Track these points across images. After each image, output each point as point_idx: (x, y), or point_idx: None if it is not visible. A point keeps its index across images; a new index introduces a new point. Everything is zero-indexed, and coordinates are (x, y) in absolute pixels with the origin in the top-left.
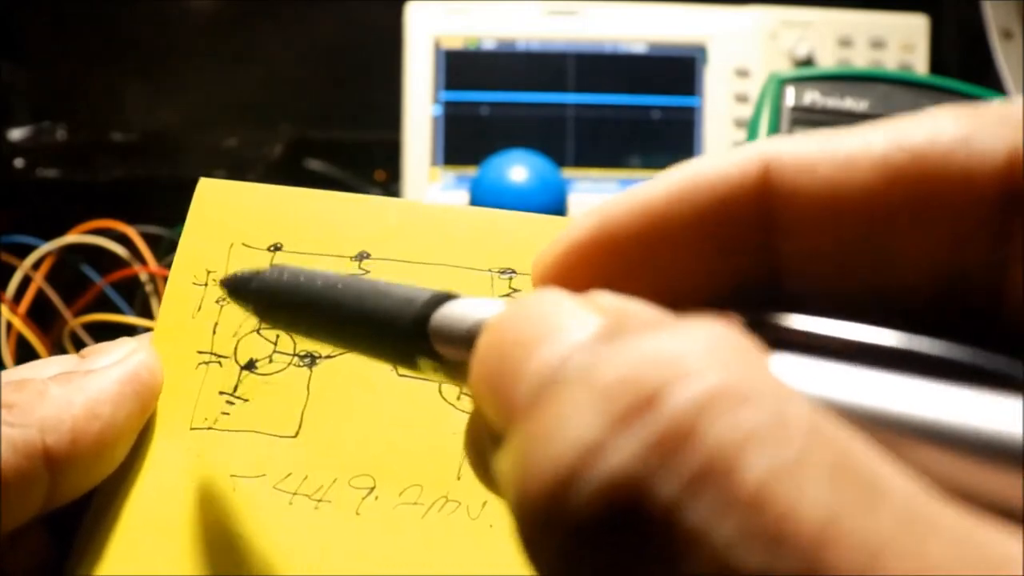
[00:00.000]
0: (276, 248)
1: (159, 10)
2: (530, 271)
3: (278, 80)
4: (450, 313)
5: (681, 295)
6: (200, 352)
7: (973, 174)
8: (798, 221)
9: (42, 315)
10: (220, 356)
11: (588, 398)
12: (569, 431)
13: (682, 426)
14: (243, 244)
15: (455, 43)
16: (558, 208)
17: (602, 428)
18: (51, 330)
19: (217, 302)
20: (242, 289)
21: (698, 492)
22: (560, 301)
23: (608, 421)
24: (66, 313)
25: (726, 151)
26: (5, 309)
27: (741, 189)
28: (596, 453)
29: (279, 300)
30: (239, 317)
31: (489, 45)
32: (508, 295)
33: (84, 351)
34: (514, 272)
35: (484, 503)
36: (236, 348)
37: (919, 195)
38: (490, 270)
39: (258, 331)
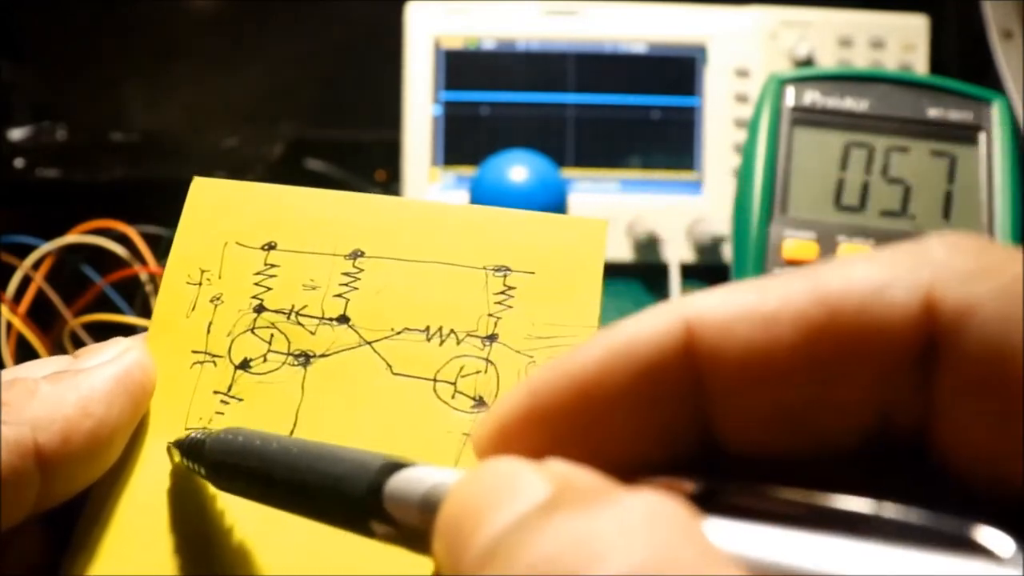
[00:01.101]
0: (270, 247)
1: (159, 10)
2: (525, 268)
3: (278, 80)
4: (404, 479)
5: (618, 459)
6: (194, 351)
7: (890, 323)
8: (723, 381)
9: (42, 315)
10: (214, 355)
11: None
12: None
13: None
14: (237, 243)
15: (455, 43)
16: (558, 208)
17: None
18: (51, 330)
19: (211, 301)
20: (195, 451)
21: None
22: (512, 469)
23: None
24: (66, 313)
25: (650, 309)
26: (5, 309)
27: (666, 354)
28: None
29: (232, 463)
30: (234, 316)
31: (489, 45)
32: (502, 292)
33: (78, 351)
34: (508, 269)
35: None
36: (230, 347)
37: (839, 349)
38: (484, 267)
39: (252, 330)
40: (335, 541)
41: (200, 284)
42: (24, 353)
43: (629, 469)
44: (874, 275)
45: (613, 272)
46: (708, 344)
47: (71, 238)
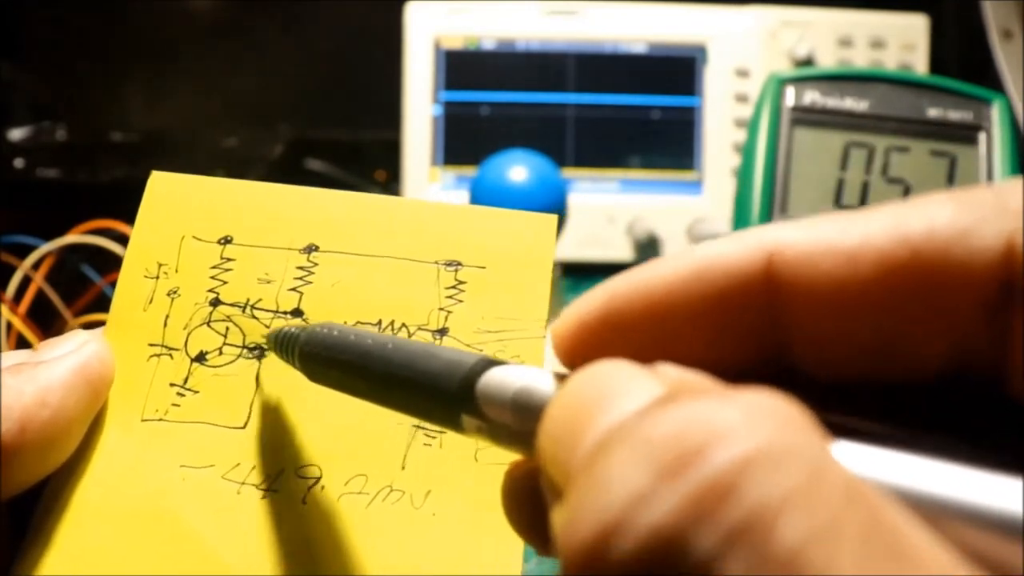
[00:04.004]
0: (226, 241)
1: (159, 10)
2: (476, 263)
3: (278, 80)
4: (496, 377)
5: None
6: (151, 344)
7: (971, 267)
8: (802, 311)
9: (42, 315)
10: (171, 348)
11: (636, 453)
12: (616, 483)
13: (723, 483)
14: (194, 237)
15: (455, 43)
16: (558, 208)
17: (647, 481)
18: (51, 330)
19: (168, 294)
20: (289, 344)
21: (735, 549)
22: (625, 370)
23: (653, 475)
24: (66, 313)
25: (729, 237)
26: (5, 309)
27: (745, 279)
28: (640, 505)
29: (328, 356)
30: (189, 309)
31: (489, 45)
32: (454, 287)
33: (39, 344)
34: (460, 264)
35: (427, 492)
36: (187, 340)
37: (920, 288)
38: (436, 262)
39: (208, 324)
40: (281, 531)
41: (157, 278)
42: None
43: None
44: (958, 218)
45: (613, 272)
46: (789, 275)
47: (71, 238)
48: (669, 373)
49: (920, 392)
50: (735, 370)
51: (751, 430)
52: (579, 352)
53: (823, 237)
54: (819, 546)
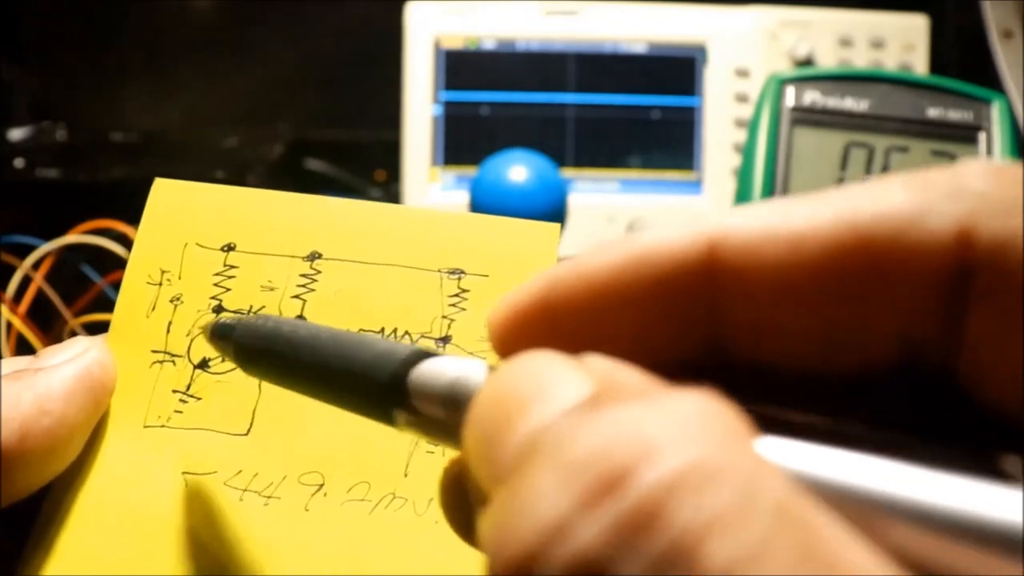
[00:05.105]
0: (229, 248)
1: (159, 10)
2: (479, 271)
3: (278, 80)
4: (429, 370)
5: (630, 360)
6: (154, 351)
7: (923, 253)
8: (745, 299)
9: (42, 315)
10: (174, 355)
11: (559, 474)
12: (539, 507)
13: (647, 509)
14: (197, 244)
15: (455, 43)
16: (558, 208)
17: (570, 507)
18: (51, 330)
19: (171, 301)
20: (225, 334)
21: None
22: (552, 363)
23: (576, 500)
24: (66, 313)
25: (673, 225)
26: (5, 309)
27: (686, 267)
28: (563, 532)
29: (260, 347)
30: (193, 316)
31: (489, 45)
32: (456, 295)
33: (40, 351)
34: (463, 272)
35: (430, 500)
36: (190, 347)
37: (867, 275)
38: (439, 270)
39: None
40: (284, 538)
41: (160, 284)
42: (24, 353)
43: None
44: (909, 202)
45: None
46: (731, 262)
47: (71, 238)
48: (598, 366)
49: (873, 384)
50: (677, 359)
51: (678, 445)
52: (515, 341)
53: (767, 223)
54: (748, 569)
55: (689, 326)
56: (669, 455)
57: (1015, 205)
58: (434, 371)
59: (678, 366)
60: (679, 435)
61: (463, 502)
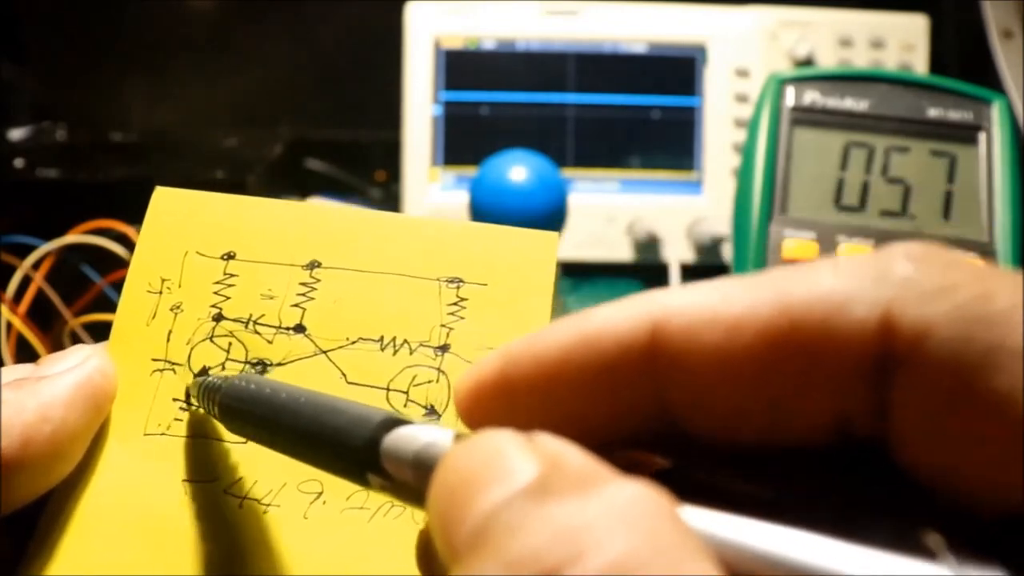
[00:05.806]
0: (229, 256)
1: (159, 10)
2: (478, 280)
3: (278, 80)
4: (400, 436)
5: (585, 433)
6: (154, 359)
7: (849, 337)
8: (687, 379)
9: (42, 315)
10: (174, 363)
11: (504, 570)
12: None
13: None
14: (197, 252)
15: (455, 43)
16: (558, 208)
17: None
18: (51, 330)
19: (171, 310)
20: (211, 395)
21: None
22: (504, 444)
23: None
24: (66, 313)
25: (618, 303)
26: (5, 309)
27: (630, 348)
28: None
29: (244, 410)
30: (193, 324)
31: (489, 45)
32: (455, 304)
33: (41, 359)
34: (461, 281)
35: None
36: (190, 356)
37: (800, 358)
38: (438, 279)
39: (211, 339)
40: (284, 545)
41: (160, 293)
42: (24, 353)
43: (596, 442)
44: (837, 288)
45: (613, 272)
46: (672, 344)
47: (71, 238)
48: (547, 448)
49: (816, 455)
50: (628, 431)
51: (609, 540)
52: (478, 413)
53: (707, 307)
54: None
55: (637, 404)
56: (597, 554)
57: (938, 291)
58: (405, 438)
59: (630, 439)
60: (611, 529)
61: (436, 564)
